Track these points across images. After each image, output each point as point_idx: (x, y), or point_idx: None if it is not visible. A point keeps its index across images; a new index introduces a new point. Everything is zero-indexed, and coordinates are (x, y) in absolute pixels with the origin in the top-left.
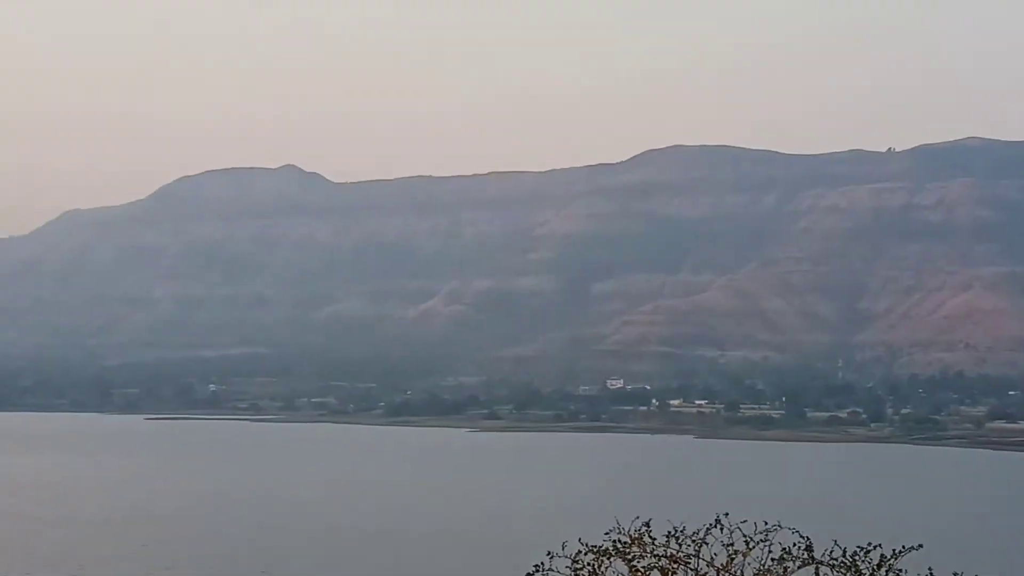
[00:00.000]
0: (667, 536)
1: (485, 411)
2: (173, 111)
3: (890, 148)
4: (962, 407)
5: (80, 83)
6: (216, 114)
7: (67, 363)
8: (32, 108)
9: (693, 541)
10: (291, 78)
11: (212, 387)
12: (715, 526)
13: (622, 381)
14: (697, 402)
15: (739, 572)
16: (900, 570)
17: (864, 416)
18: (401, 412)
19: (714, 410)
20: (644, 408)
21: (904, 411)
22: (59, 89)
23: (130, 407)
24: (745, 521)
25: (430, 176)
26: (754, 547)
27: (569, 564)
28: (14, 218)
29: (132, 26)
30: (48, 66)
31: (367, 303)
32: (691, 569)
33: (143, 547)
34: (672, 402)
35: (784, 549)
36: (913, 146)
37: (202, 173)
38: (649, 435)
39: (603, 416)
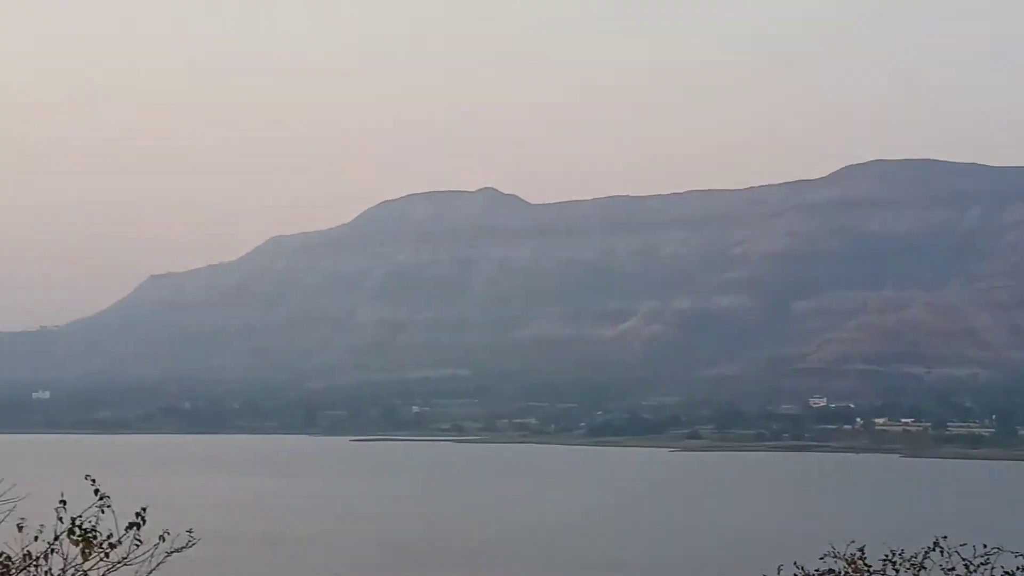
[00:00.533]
0: (883, 561)
1: (686, 431)
2: (371, 135)
3: None
4: None
5: (283, 112)
6: (417, 138)
7: (274, 386)
8: (238, 139)
9: (912, 565)
10: (490, 102)
11: (415, 408)
12: (933, 549)
13: (825, 400)
14: (903, 420)
15: None
16: None
17: None
18: (602, 432)
19: (921, 428)
20: (848, 427)
21: None
22: (263, 120)
23: (335, 428)
24: (964, 544)
25: (628, 195)
26: (975, 571)
27: None
28: (222, 245)
29: (333, 51)
30: (253, 99)
31: (566, 323)
32: None
33: (355, 565)
34: (877, 420)
35: (1008, 573)
36: None
37: (403, 197)
38: (853, 454)
39: (806, 435)
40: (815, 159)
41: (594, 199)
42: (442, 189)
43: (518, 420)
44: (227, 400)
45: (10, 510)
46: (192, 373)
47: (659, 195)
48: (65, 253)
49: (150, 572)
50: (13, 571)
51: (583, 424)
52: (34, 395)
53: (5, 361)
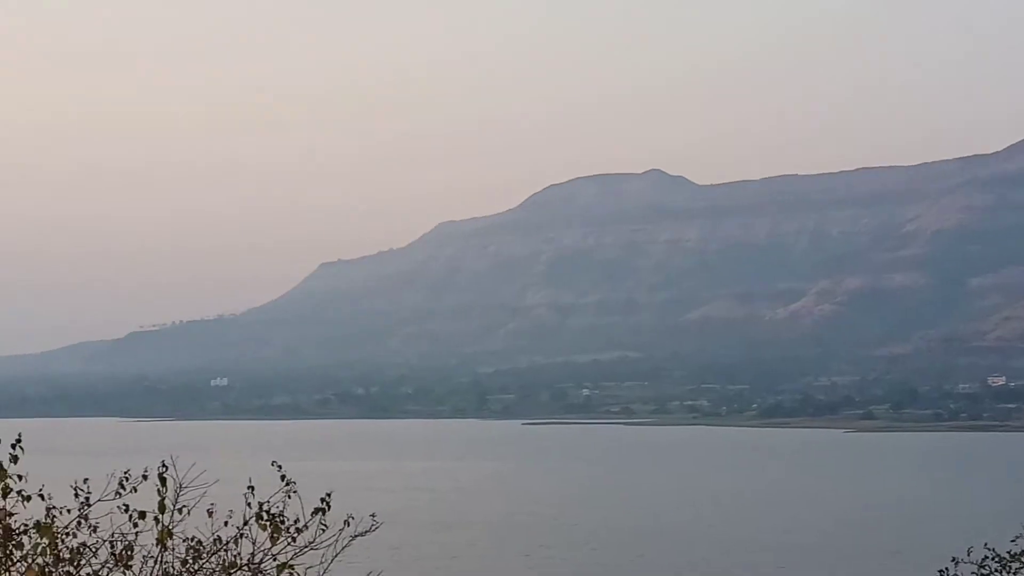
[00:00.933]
0: None
1: (860, 411)
2: (536, 121)
3: None
4: None
5: (450, 101)
6: (582, 121)
7: (445, 371)
8: (407, 129)
9: None
10: (655, 83)
11: (585, 392)
12: None
13: (1004, 378)
14: None
15: None
16: None
17: None
18: (774, 414)
19: None
20: None
21: None
22: (432, 109)
23: (506, 412)
24: None
25: (796, 174)
26: None
27: (975, 571)
28: (392, 232)
29: (497, 40)
30: (423, 89)
31: (736, 304)
32: None
33: (533, 549)
34: None
35: None
36: None
37: (570, 181)
38: None
39: (984, 415)
40: (989, 133)
41: (762, 179)
42: (609, 172)
43: (689, 402)
44: (399, 385)
45: (201, 496)
46: (364, 359)
47: (828, 173)
48: (240, 244)
49: (335, 556)
50: (204, 555)
51: (755, 405)
52: (212, 382)
53: (185, 349)
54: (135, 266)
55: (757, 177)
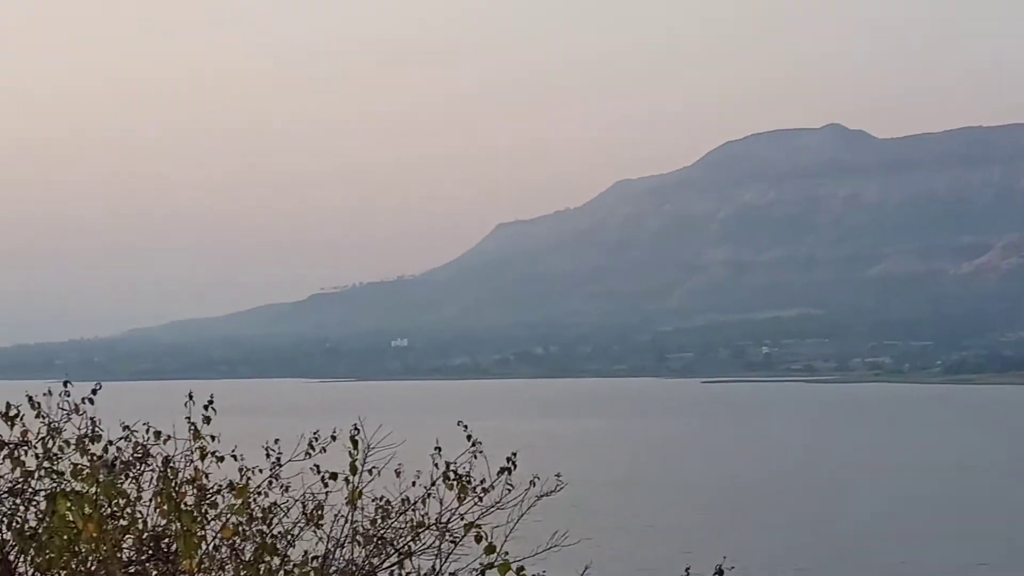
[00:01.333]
0: None
1: None
2: (713, 77)
3: None
4: None
5: (620, 62)
6: (758, 79)
7: (624, 329)
8: (585, 87)
9: None
10: (831, 36)
11: (765, 349)
12: None
13: None
14: None
15: None
16: None
17: None
18: (959, 370)
19: None
20: None
21: None
22: (611, 67)
23: (685, 371)
24: None
25: (981, 126)
26: None
27: None
28: (569, 191)
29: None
30: (603, 51)
31: (918, 259)
32: None
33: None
34: None
35: None
36: None
37: (747, 137)
38: None
39: None
40: None
41: (945, 131)
42: (786, 127)
43: (871, 359)
44: (578, 344)
45: (390, 456)
46: (542, 318)
47: (1016, 124)
48: (418, 206)
49: (521, 516)
50: (392, 515)
51: (939, 362)
52: (393, 343)
53: (365, 311)
54: (317, 228)
55: (938, 130)
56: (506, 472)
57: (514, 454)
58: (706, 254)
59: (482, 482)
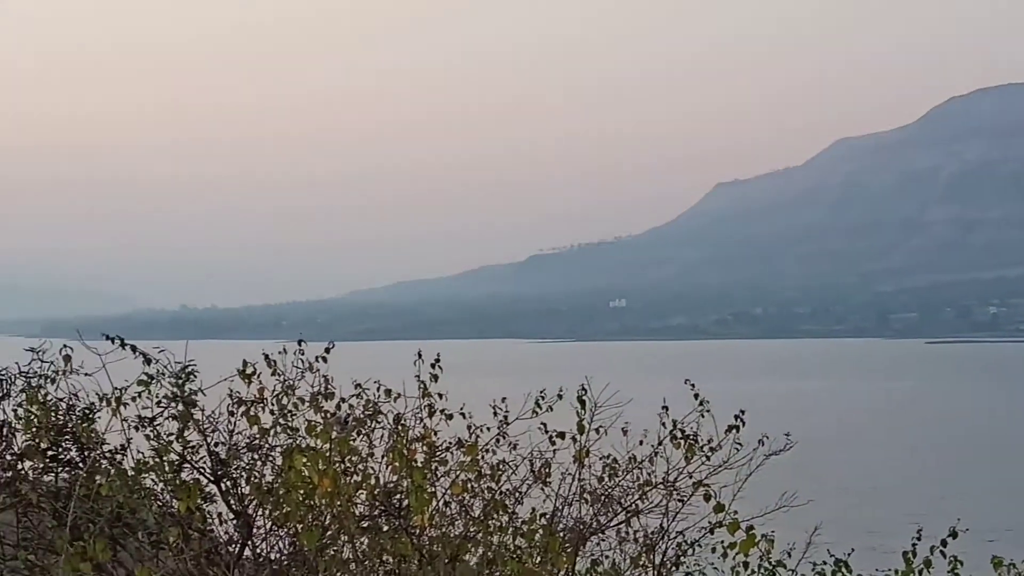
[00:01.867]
0: None
1: None
2: (938, 29)
3: None
4: None
5: (849, 24)
6: (982, 29)
7: (843, 289)
8: (811, 47)
9: None
10: None
11: (992, 309)
12: None
13: None
14: None
15: None
16: None
17: None
18: None
19: None
20: None
21: None
22: (831, 24)
23: (908, 331)
24: None
25: None
26: None
27: None
28: (789, 150)
29: None
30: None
31: None
32: None
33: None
34: None
35: None
36: None
37: (972, 92)
38: None
39: None
40: None
41: None
42: (1015, 81)
43: None
44: (796, 304)
45: (617, 415)
46: (761, 279)
47: None
48: (640, 168)
49: (749, 475)
50: (620, 473)
51: None
52: (611, 303)
53: (584, 271)
54: (535, 190)
55: None
56: (734, 430)
57: (742, 412)
58: (929, 212)
59: (709, 441)
